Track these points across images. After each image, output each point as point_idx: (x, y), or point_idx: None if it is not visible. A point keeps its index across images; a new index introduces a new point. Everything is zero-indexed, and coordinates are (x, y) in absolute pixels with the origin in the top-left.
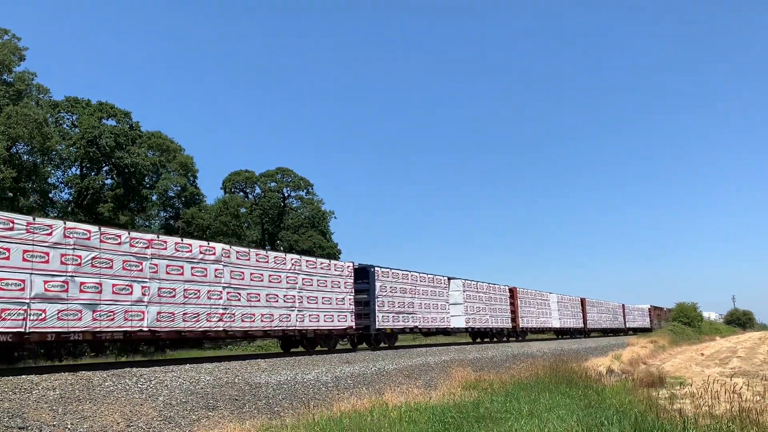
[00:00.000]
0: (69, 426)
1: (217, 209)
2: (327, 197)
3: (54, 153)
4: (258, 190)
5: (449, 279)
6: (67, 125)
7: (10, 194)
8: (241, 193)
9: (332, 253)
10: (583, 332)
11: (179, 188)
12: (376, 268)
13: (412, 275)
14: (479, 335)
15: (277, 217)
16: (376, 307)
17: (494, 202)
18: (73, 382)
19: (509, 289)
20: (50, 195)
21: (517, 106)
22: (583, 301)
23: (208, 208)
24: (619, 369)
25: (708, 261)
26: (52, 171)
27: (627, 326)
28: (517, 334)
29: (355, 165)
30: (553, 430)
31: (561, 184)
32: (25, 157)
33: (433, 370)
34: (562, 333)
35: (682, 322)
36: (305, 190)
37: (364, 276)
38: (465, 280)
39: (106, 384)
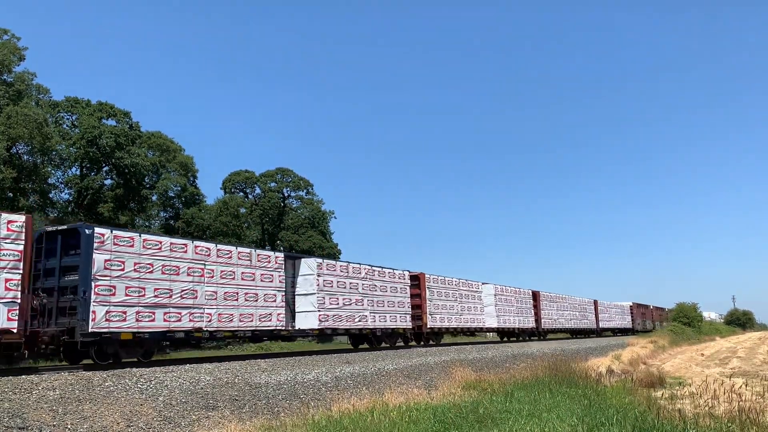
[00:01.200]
0: (69, 426)
1: (217, 209)
2: (327, 197)
3: (54, 153)
4: (258, 191)
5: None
6: (67, 125)
7: (10, 194)
8: (241, 194)
9: (332, 253)
10: (537, 333)
11: (179, 188)
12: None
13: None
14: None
15: (277, 218)
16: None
17: (494, 203)
18: (73, 382)
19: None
20: (50, 195)
21: (518, 106)
22: (536, 295)
23: (208, 209)
24: (619, 369)
25: (708, 261)
26: (52, 171)
27: (600, 326)
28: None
29: (355, 165)
30: (553, 431)
31: (560, 184)
32: (25, 157)
33: (433, 370)
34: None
35: (682, 322)
36: (305, 190)
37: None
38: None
39: (106, 384)
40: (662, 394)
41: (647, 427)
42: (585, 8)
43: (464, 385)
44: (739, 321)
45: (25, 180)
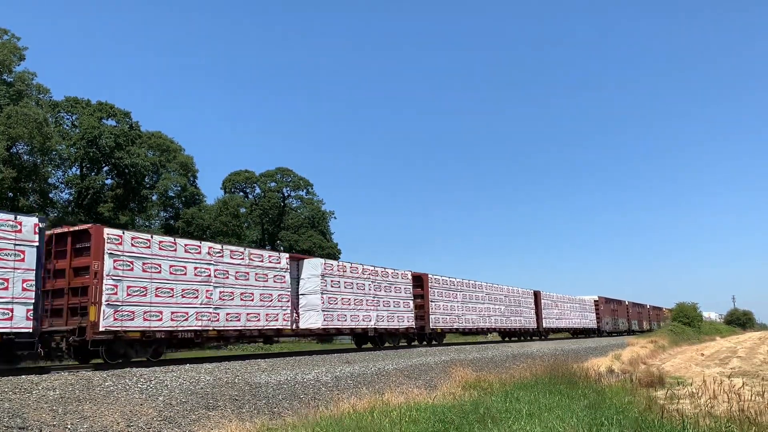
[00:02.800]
0: (69, 426)
1: (217, 209)
2: (327, 197)
3: (54, 153)
4: (258, 190)
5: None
6: (67, 125)
7: (10, 194)
8: (241, 193)
9: (332, 254)
10: (423, 338)
11: (179, 188)
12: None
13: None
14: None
15: (277, 217)
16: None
17: (494, 202)
18: (73, 382)
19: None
20: (50, 195)
21: (518, 106)
22: (424, 278)
23: (208, 208)
24: (619, 369)
25: (708, 261)
26: (52, 171)
27: (544, 326)
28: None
29: (355, 165)
30: (553, 430)
31: (561, 184)
32: (25, 157)
33: (432, 370)
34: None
35: (682, 322)
36: (305, 190)
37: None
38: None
39: (106, 384)
40: (662, 394)
41: (647, 427)
42: (585, 8)
43: (464, 385)
44: (739, 321)
45: (25, 180)
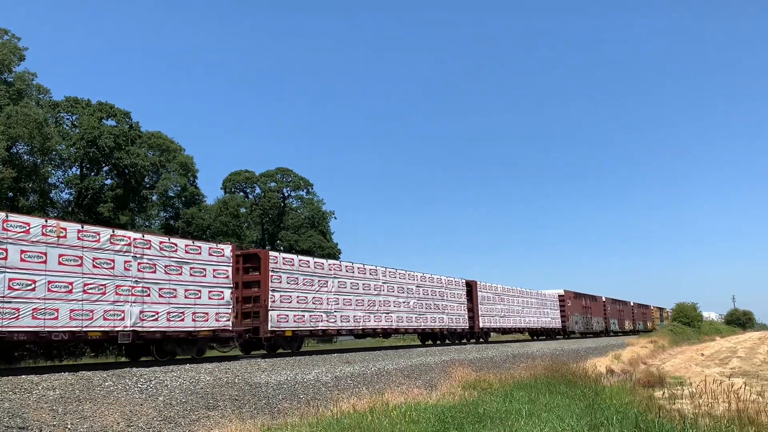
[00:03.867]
0: (69, 426)
1: (217, 209)
2: (327, 197)
3: (54, 153)
4: (258, 190)
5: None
6: (67, 125)
7: (11, 194)
8: (241, 193)
9: (332, 254)
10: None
11: (179, 188)
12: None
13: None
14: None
15: (277, 217)
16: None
17: (495, 202)
18: (73, 382)
19: (466, 283)
20: (50, 195)
21: (518, 106)
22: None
23: (208, 208)
24: (619, 369)
25: (708, 261)
26: (52, 171)
27: (480, 325)
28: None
29: (355, 165)
30: (553, 430)
31: (561, 184)
32: (25, 157)
33: (432, 370)
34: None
35: (682, 322)
36: (305, 190)
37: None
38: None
39: (106, 384)
40: (662, 394)
41: (647, 427)
42: (585, 9)
43: (464, 385)
44: (739, 321)
45: (25, 180)
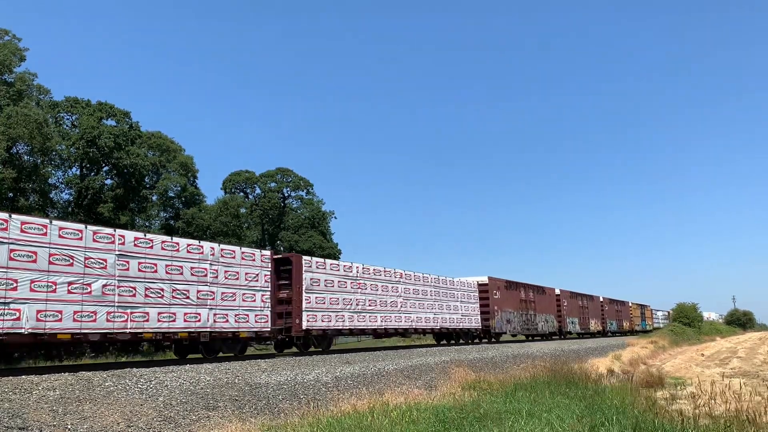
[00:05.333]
0: (69, 426)
1: (217, 209)
2: (327, 197)
3: (54, 153)
4: (258, 191)
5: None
6: (67, 125)
7: (11, 194)
8: (241, 194)
9: (332, 254)
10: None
11: (179, 188)
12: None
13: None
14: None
15: (277, 218)
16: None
17: (496, 201)
18: (73, 382)
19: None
20: (50, 195)
21: (518, 105)
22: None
23: (208, 209)
24: (619, 369)
25: (708, 261)
26: (52, 171)
27: (305, 326)
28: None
29: (355, 165)
30: (553, 431)
31: (561, 184)
32: (25, 157)
33: (433, 371)
34: None
35: (683, 323)
36: (305, 191)
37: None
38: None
39: (106, 384)
40: (662, 395)
41: (647, 427)
42: (585, 8)
43: (464, 385)
44: (740, 321)
45: (25, 180)
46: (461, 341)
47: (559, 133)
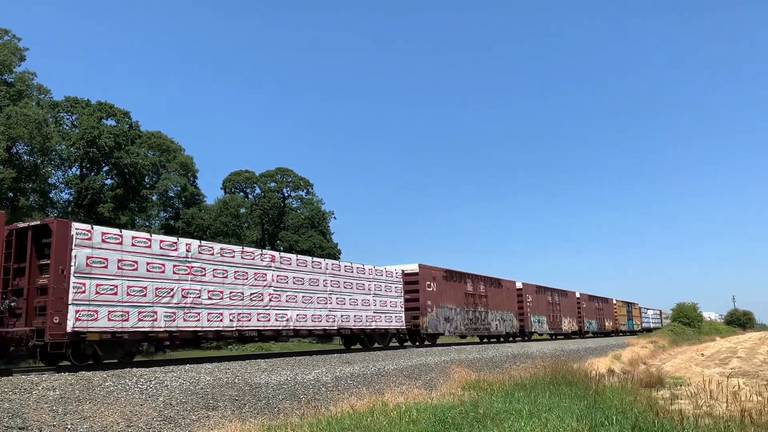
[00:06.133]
0: (69, 426)
1: (217, 209)
2: (327, 197)
3: (54, 153)
4: (258, 191)
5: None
6: (67, 125)
7: (11, 194)
8: (241, 194)
9: (332, 254)
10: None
11: (179, 188)
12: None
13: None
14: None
15: (277, 218)
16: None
17: (496, 201)
18: (73, 382)
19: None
20: (50, 195)
21: (518, 105)
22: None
23: (208, 209)
24: (619, 369)
25: (708, 261)
26: (52, 171)
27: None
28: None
29: (355, 165)
30: (553, 430)
31: (560, 184)
32: (25, 157)
33: (432, 371)
34: None
35: (682, 323)
36: (305, 190)
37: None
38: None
39: (106, 384)
40: (662, 394)
41: (647, 427)
42: (586, 8)
43: (464, 385)
44: (739, 321)
45: (25, 180)
46: (377, 345)
47: (558, 133)
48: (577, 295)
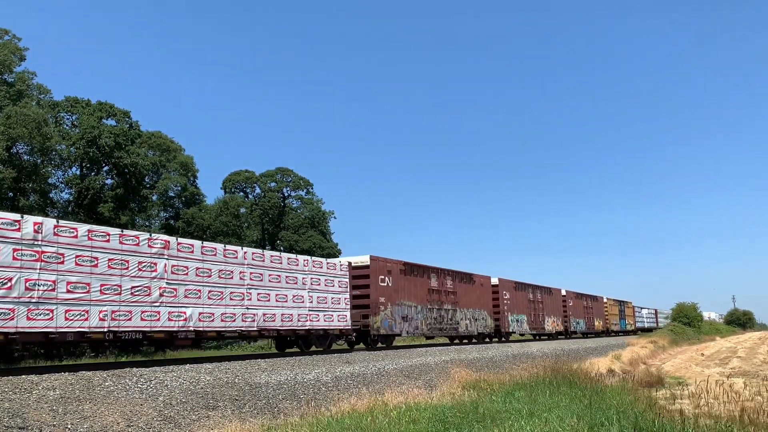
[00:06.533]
0: (69, 426)
1: (217, 209)
2: (327, 197)
3: (54, 153)
4: (258, 190)
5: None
6: (67, 125)
7: (11, 194)
8: (241, 193)
9: (332, 254)
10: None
11: (179, 188)
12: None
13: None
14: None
15: (277, 217)
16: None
17: (496, 201)
18: (73, 382)
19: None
20: (50, 195)
21: (518, 105)
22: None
23: (208, 208)
24: (619, 369)
25: (708, 261)
26: (52, 171)
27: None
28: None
29: (355, 165)
30: (553, 430)
31: (560, 183)
32: (25, 157)
33: (432, 370)
34: None
35: (682, 322)
36: (305, 190)
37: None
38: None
39: (106, 384)
40: (662, 394)
41: (647, 427)
42: (587, 8)
43: (464, 385)
44: (739, 321)
45: (25, 180)
46: (314, 348)
47: (557, 132)
48: (563, 293)
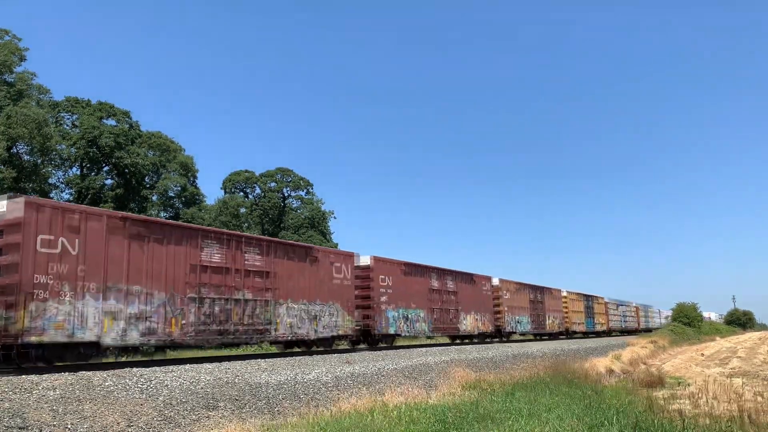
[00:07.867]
0: (69, 426)
1: (217, 209)
2: (327, 197)
3: (54, 153)
4: (258, 190)
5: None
6: (67, 125)
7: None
8: (241, 193)
9: None
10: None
11: (179, 188)
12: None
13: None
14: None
15: (277, 217)
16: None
17: (496, 201)
18: (73, 382)
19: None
20: (51, 195)
21: (518, 105)
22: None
23: (208, 208)
24: (619, 369)
25: (708, 261)
26: (53, 171)
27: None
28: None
29: (355, 165)
30: (553, 430)
31: (560, 183)
32: (25, 157)
33: (433, 371)
34: None
35: (682, 323)
36: (305, 190)
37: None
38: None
39: (107, 384)
40: (662, 394)
41: (647, 427)
42: (587, 8)
43: (464, 385)
44: (739, 321)
45: (25, 180)
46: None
47: (554, 132)
48: (494, 282)
